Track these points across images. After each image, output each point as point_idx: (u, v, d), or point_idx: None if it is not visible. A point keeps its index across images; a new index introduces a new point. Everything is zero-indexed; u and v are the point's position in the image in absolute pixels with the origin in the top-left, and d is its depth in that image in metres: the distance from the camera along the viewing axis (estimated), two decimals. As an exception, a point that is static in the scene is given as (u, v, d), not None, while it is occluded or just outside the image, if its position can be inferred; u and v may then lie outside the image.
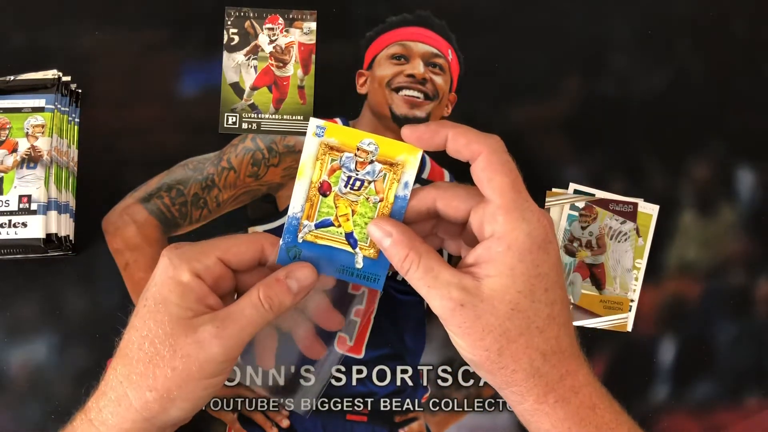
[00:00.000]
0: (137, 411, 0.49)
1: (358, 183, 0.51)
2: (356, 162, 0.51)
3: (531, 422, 0.50)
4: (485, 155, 0.49)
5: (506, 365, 0.47)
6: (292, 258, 0.52)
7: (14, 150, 0.64)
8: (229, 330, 0.48)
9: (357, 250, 0.52)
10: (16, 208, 0.63)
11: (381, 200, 0.51)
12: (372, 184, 0.51)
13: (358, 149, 0.51)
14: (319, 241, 0.52)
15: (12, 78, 0.66)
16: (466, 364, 0.64)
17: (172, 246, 0.51)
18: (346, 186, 0.51)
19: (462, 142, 0.50)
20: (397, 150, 0.51)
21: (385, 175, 0.51)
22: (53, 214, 0.63)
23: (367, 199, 0.51)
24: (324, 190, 0.51)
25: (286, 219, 0.52)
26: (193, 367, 0.48)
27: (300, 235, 0.52)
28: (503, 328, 0.47)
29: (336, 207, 0.51)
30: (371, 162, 0.51)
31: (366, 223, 0.51)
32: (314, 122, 0.50)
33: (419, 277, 0.48)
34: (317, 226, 0.52)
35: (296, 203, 0.51)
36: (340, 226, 0.51)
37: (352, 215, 0.51)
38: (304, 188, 0.51)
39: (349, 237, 0.51)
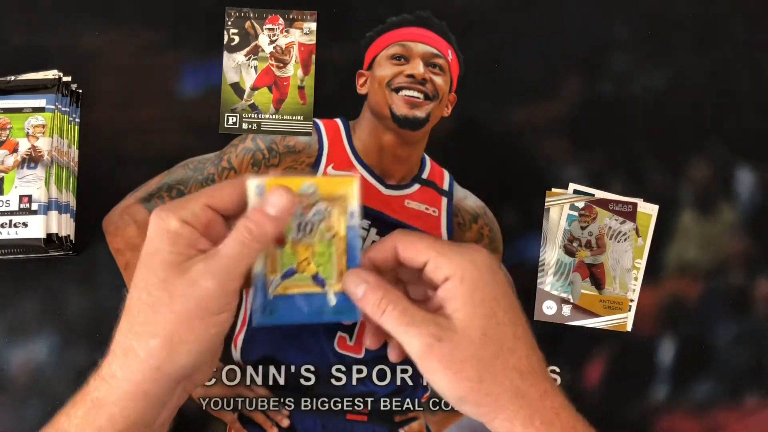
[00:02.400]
0: (144, 360, 0.49)
1: (308, 226, 0.53)
2: (302, 207, 0.53)
3: None
4: (399, 242, 0.52)
5: (489, 391, 0.49)
6: (270, 315, 0.53)
7: (15, 150, 0.64)
8: (218, 264, 0.49)
9: (326, 288, 0.53)
10: (17, 208, 0.63)
11: (334, 235, 0.53)
12: (321, 223, 0.53)
13: (299, 195, 0.52)
14: (290, 291, 0.53)
15: (12, 78, 0.66)
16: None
17: (161, 205, 0.52)
18: (298, 232, 0.53)
19: (379, 252, 0.53)
20: (336, 185, 0.53)
21: (331, 211, 0.53)
22: (54, 214, 0.63)
23: (322, 237, 0.53)
24: (280, 241, 0.53)
25: (252, 281, 0.52)
26: (192, 305, 0.48)
27: (270, 290, 0.53)
28: (479, 355, 0.48)
29: (295, 254, 0.53)
30: (315, 203, 0.53)
31: (327, 261, 0.53)
32: (252, 183, 0.51)
33: (396, 316, 0.49)
34: (283, 278, 0.53)
35: (257, 262, 0.52)
36: (304, 271, 0.53)
37: (313, 257, 0.53)
38: None
39: (316, 278, 0.53)
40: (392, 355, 0.54)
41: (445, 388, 0.49)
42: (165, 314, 0.48)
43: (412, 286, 0.55)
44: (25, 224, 0.62)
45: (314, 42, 0.69)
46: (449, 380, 0.49)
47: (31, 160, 0.64)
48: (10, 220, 0.62)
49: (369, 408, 0.66)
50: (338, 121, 0.69)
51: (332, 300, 0.53)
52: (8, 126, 0.64)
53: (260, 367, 0.66)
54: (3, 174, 0.63)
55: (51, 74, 0.67)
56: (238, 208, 0.52)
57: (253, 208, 0.51)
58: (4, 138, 0.64)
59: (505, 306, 0.50)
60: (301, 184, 0.52)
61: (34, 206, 0.63)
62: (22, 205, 0.63)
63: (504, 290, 0.51)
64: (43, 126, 0.64)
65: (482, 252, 0.51)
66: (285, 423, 0.65)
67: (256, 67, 0.69)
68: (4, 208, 0.62)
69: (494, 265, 0.51)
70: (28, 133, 0.64)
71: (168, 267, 0.49)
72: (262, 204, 0.51)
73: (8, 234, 0.62)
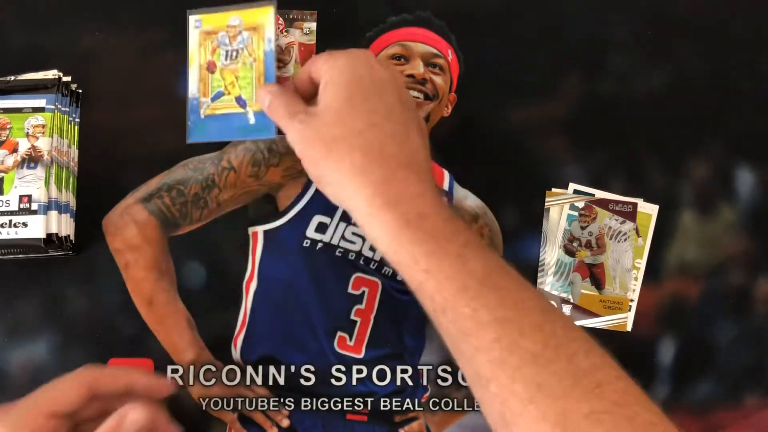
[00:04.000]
0: None
1: (234, 53, 0.59)
2: (229, 37, 0.59)
3: (367, 233, 0.51)
4: (309, 63, 0.55)
5: (334, 167, 0.50)
6: (201, 133, 0.59)
7: (15, 150, 0.64)
8: None
9: (247, 108, 0.59)
10: (17, 208, 0.63)
11: (254, 60, 0.59)
12: (245, 49, 0.59)
13: (228, 27, 0.60)
14: (218, 112, 0.59)
15: (12, 78, 0.66)
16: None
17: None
18: (226, 59, 0.60)
19: (299, 77, 0.56)
20: (255, 15, 0.60)
21: (252, 39, 0.59)
22: (53, 213, 0.63)
23: (244, 63, 0.59)
24: (211, 68, 0.60)
25: (187, 103, 0.59)
26: None
27: (201, 111, 0.59)
28: (329, 133, 0.51)
29: (223, 78, 0.60)
30: (240, 33, 0.59)
31: (249, 84, 0.59)
32: (192, 17, 0.60)
33: (280, 106, 0.53)
34: (213, 99, 0.59)
35: (192, 86, 0.60)
36: (230, 93, 0.59)
37: (237, 81, 0.59)
38: (195, 72, 0.60)
39: (239, 100, 0.59)
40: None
41: (306, 167, 0.52)
42: None
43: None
44: (24, 224, 0.62)
45: (314, 42, 0.69)
46: (307, 159, 0.52)
47: (31, 160, 0.64)
48: (10, 220, 0.62)
49: (369, 408, 0.66)
50: None
51: (252, 119, 0.58)
52: (8, 126, 0.64)
53: (260, 367, 0.66)
54: (3, 174, 0.63)
55: (51, 74, 0.67)
56: (84, 403, 0.50)
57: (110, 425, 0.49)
58: (4, 138, 0.64)
59: (366, 93, 0.52)
60: (229, 17, 0.60)
61: (34, 206, 0.63)
62: (21, 205, 0.63)
63: (373, 83, 0.52)
64: (43, 126, 0.64)
65: (363, 52, 0.54)
66: (285, 423, 0.65)
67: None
68: (4, 208, 0.62)
69: (376, 65, 0.53)
70: (28, 133, 0.64)
71: None
72: (118, 420, 0.48)
73: (8, 234, 0.62)
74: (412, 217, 0.48)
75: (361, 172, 0.49)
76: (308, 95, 0.56)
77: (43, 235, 0.62)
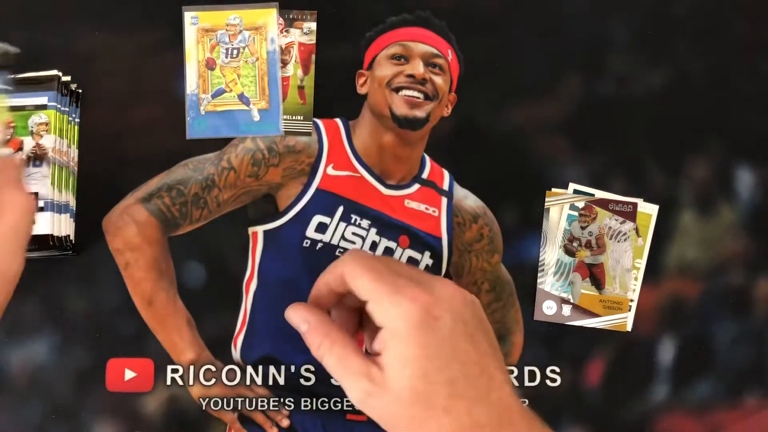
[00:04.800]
0: None
1: (235, 51, 0.61)
2: (229, 35, 0.60)
3: None
4: (346, 271, 0.49)
5: None
6: (202, 128, 0.60)
7: (20, 148, 0.64)
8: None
9: (251, 106, 0.60)
10: None
11: (257, 59, 0.60)
12: (246, 48, 0.60)
13: (227, 25, 0.60)
14: (219, 109, 0.60)
15: (12, 77, 0.66)
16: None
17: None
18: (227, 57, 0.61)
19: (331, 277, 0.50)
20: (257, 16, 0.61)
21: (254, 38, 0.60)
22: (53, 215, 0.64)
23: (246, 61, 0.60)
24: (210, 65, 0.60)
25: (186, 99, 0.60)
26: None
27: (201, 107, 0.60)
28: (410, 414, 0.47)
29: (224, 76, 0.60)
30: (240, 32, 0.60)
31: (252, 82, 0.60)
32: (188, 15, 0.61)
33: (332, 364, 0.48)
34: (213, 96, 0.60)
35: (191, 82, 0.60)
36: (231, 90, 0.60)
37: (239, 79, 0.60)
38: (194, 68, 0.61)
39: (242, 97, 0.60)
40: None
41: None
42: None
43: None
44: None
45: (314, 42, 0.69)
46: (385, 428, 0.48)
47: (36, 158, 0.64)
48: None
49: (369, 408, 0.66)
50: (338, 121, 0.69)
51: (256, 116, 0.59)
52: (12, 125, 0.64)
53: (260, 367, 0.66)
54: (8, 173, 0.64)
55: (51, 74, 0.67)
56: None
57: None
58: (9, 137, 0.64)
59: (440, 364, 0.46)
60: (229, 15, 0.60)
61: (41, 203, 0.63)
62: None
63: (443, 344, 0.47)
64: (47, 124, 0.65)
65: (417, 301, 0.47)
66: (285, 423, 0.65)
67: (256, 67, 0.69)
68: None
69: (434, 313, 0.47)
70: (32, 131, 0.64)
71: None
72: None
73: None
74: None
75: None
76: (337, 292, 0.51)
77: (51, 232, 0.63)
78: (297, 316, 0.50)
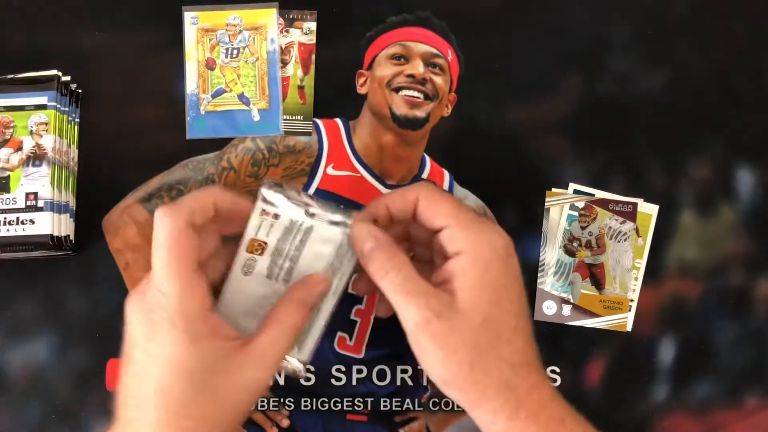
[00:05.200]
0: None
1: (235, 51, 0.61)
2: (229, 35, 0.60)
3: None
4: (422, 196, 0.50)
5: (478, 380, 0.47)
6: (202, 128, 0.60)
7: (19, 148, 0.64)
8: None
9: (251, 106, 0.59)
10: (23, 206, 0.63)
11: (257, 59, 0.60)
12: (246, 48, 0.60)
13: (227, 25, 0.61)
14: (219, 109, 0.60)
15: (12, 77, 0.66)
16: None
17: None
18: (227, 57, 0.61)
19: (398, 200, 0.50)
20: (257, 16, 0.61)
21: (254, 38, 0.60)
22: (53, 215, 0.64)
23: (246, 61, 0.60)
24: (210, 64, 0.60)
25: (186, 99, 0.60)
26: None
27: (201, 108, 0.60)
28: (475, 340, 0.47)
29: (224, 76, 0.60)
30: (240, 32, 0.60)
31: (252, 82, 0.60)
32: (188, 15, 0.61)
33: (399, 283, 0.47)
34: (213, 96, 0.60)
35: (191, 82, 0.60)
36: (231, 90, 0.60)
37: (239, 79, 0.60)
38: (194, 68, 0.61)
39: (242, 97, 0.60)
40: (380, 310, 0.52)
41: (433, 368, 0.48)
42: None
43: (419, 245, 0.53)
44: (32, 221, 0.63)
45: (314, 42, 0.69)
46: (439, 360, 0.47)
47: (36, 157, 0.64)
48: (17, 218, 0.63)
49: (369, 408, 0.66)
50: (338, 121, 0.69)
51: (256, 116, 0.59)
52: (12, 124, 0.64)
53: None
54: (9, 172, 0.64)
55: (51, 74, 0.67)
56: (210, 219, 0.49)
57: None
58: (9, 136, 0.64)
59: (512, 295, 0.48)
60: (229, 15, 0.61)
61: (41, 203, 0.63)
62: (28, 203, 0.63)
63: (514, 279, 0.49)
64: (47, 123, 0.65)
65: (502, 235, 0.49)
66: (285, 423, 0.65)
67: (256, 67, 0.69)
68: (11, 206, 0.63)
69: (511, 250, 0.49)
70: (32, 131, 0.64)
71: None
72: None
73: (15, 231, 0.63)
74: (554, 426, 0.48)
75: (507, 387, 0.47)
76: (398, 219, 0.51)
77: (50, 232, 0.63)
78: (365, 230, 0.49)
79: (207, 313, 0.46)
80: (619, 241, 0.68)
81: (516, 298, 0.49)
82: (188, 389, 0.45)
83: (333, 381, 0.66)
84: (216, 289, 0.49)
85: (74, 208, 0.66)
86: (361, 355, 0.66)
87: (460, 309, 0.47)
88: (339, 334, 0.66)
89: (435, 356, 0.47)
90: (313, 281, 0.50)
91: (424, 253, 0.53)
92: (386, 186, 0.68)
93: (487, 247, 0.48)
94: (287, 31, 0.69)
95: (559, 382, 0.66)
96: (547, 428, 0.48)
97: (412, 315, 0.47)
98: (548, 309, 0.67)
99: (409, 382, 0.66)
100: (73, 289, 0.66)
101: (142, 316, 0.46)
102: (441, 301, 0.47)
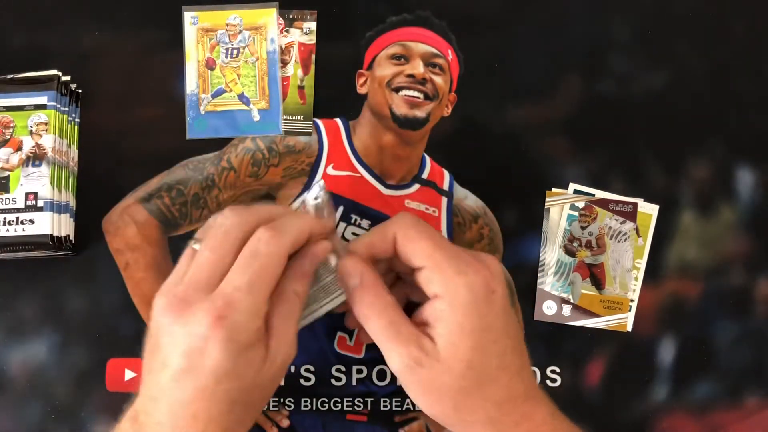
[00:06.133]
0: None
1: (235, 51, 0.61)
2: (229, 35, 0.61)
3: None
4: (399, 234, 0.49)
5: (463, 419, 0.48)
6: (202, 128, 0.60)
7: (19, 148, 0.64)
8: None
9: (251, 106, 0.60)
10: (23, 206, 0.63)
11: (257, 59, 0.60)
12: (246, 48, 0.61)
13: (227, 25, 0.61)
14: (219, 109, 0.60)
15: (12, 77, 0.66)
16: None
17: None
18: (227, 57, 0.61)
19: (377, 238, 0.50)
20: (257, 16, 0.61)
21: (254, 38, 0.61)
22: (53, 215, 0.64)
23: (246, 61, 0.60)
24: (210, 64, 0.61)
25: (186, 99, 0.60)
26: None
27: (201, 107, 0.60)
28: (458, 385, 0.47)
29: (224, 76, 0.61)
30: (240, 32, 0.61)
31: (252, 82, 0.60)
32: (188, 15, 0.61)
33: (381, 328, 0.47)
34: (213, 96, 0.60)
35: (191, 81, 0.60)
36: (231, 90, 0.61)
37: (239, 78, 0.60)
38: (194, 68, 0.61)
39: (242, 97, 0.60)
40: (362, 337, 0.53)
41: (420, 405, 0.49)
42: None
43: (406, 275, 0.53)
44: (31, 221, 0.63)
45: (314, 42, 0.69)
46: (425, 403, 0.48)
47: (36, 157, 0.64)
48: (17, 218, 0.63)
49: (369, 408, 0.66)
50: (338, 121, 0.69)
51: (256, 116, 0.59)
52: (11, 124, 0.64)
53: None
54: (9, 172, 0.64)
55: (51, 74, 0.67)
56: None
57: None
58: (8, 136, 0.64)
59: (495, 336, 0.47)
60: (229, 15, 0.61)
61: (40, 203, 0.63)
62: (28, 203, 0.63)
63: (496, 316, 0.47)
64: (46, 123, 0.65)
65: (481, 271, 0.47)
66: (285, 423, 0.65)
67: (256, 67, 0.69)
68: (10, 206, 0.63)
69: (493, 284, 0.48)
70: (31, 131, 0.64)
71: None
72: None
73: (15, 231, 0.63)
74: None
75: (493, 424, 0.47)
76: (380, 256, 0.50)
77: (50, 232, 0.63)
78: (355, 267, 0.49)
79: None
80: (619, 241, 0.68)
81: (500, 336, 0.48)
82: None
83: (333, 381, 0.66)
84: None
85: (74, 208, 0.66)
86: (361, 356, 0.66)
87: (442, 358, 0.46)
88: (339, 334, 0.66)
89: (421, 399, 0.48)
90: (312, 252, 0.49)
91: (408, 285, 0.53)
92: (386, 186, 0.68)
93: (463, 290, 0.47)
94: (287, 31, 0.69)
95: (559, 382, 0.66)
96: None
97: (395, 362, 0.47)
98: (548, 309, 0.67)
99: (409, 382, 0.66)
100: (73, 289, 0.66)
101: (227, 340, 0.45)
102: (422, 349, 0.47)
